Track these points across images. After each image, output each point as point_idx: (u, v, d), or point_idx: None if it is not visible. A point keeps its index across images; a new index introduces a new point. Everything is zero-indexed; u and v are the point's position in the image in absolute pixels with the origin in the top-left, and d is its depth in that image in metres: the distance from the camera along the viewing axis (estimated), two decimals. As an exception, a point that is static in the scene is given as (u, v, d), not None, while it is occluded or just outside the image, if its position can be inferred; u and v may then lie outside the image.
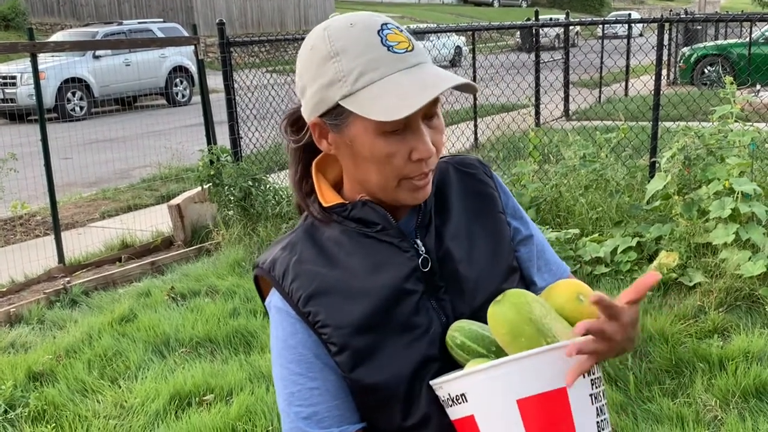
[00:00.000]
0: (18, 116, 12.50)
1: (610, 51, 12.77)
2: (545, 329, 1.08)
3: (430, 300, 1.18)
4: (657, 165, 5.29)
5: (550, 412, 1.05)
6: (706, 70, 14.56)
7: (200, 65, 6.86)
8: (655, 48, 5.63)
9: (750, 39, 13.75)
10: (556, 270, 1.34)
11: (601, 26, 13.44)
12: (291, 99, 6.80)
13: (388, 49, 1.08)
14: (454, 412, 1.12)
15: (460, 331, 1.15)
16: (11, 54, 12.58)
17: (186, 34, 16.19)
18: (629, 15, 28.45)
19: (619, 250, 4.83)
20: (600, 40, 12.99)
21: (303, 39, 1.25)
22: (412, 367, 1.15)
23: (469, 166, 1.31)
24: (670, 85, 14.62)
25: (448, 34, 13.53)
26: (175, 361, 4.14)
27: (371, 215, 1.19)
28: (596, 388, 1.10)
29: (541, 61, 10.16)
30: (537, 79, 9.80)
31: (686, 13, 18.36)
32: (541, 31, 11.67)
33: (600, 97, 12.96)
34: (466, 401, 1.09)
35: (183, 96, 17.39)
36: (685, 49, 15.36)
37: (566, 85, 11.43)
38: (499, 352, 1.12)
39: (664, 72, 11.27)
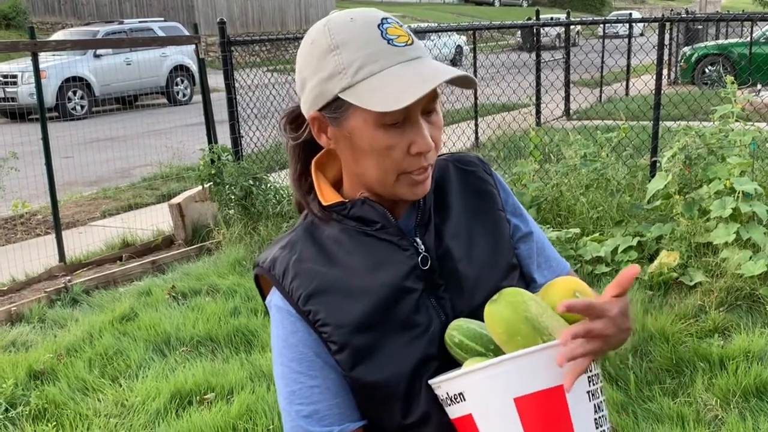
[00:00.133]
0: (19, 115, 12.52)
1: (611, 50, 12.78)
2: (541, 327, 1.09)
3: (430, 298, 1.18)
4: (658, 164, 5.29)
5: (547, 410, 1.05)
6: (706, 70, 14.55)
7: (201, 64, 6.86)
8: (656, 47, 5.63)
9: (751, 38, 13.74)
10: (556, 267, 1.35)
11: (602, 26, 13.42)
12: (292, 98, 6.80)
13: (388, 43, 1.09)
14: (453, 411, 1.12)
15: (458, 329, 1.15)
16: (12, 53, 12.58)
17: (187, 33, 16.18)
18: (630, 14, 28.42)
19: (620, 249, 4.83)
20: (601, 40, 12.98)
21: (303, 38, 1.25)
22: (412, 366, 1.15)
23: (468, 163, 1.31)
24: (671, 84, 14.62)
25: (449, 33, 13.53)
26: (175, 360, 4.14)
27: (371, 214, 1.19)
28: (593, 385, 1.10)
29: (542, 61, 10.17)
30: (538, 78, 9.81)
31: (687, 12, 18.37)
32: (541, 31, 11.67)
33: (601, 96, 12.96)
34: (464, 400, 1.09)
35: (184, 95, 17.39)
36: (686, 49, 15.36)
37: (567, 84, 11.43)
38: (498, 351, 1.12)
39: (664, 71, 11.27)
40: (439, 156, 1.29)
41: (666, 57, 12.40)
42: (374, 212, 1.19)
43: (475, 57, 10.18)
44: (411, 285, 1.17)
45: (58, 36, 16.41)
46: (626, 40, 14.14)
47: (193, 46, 6.87)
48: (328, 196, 1.22)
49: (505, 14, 39.69)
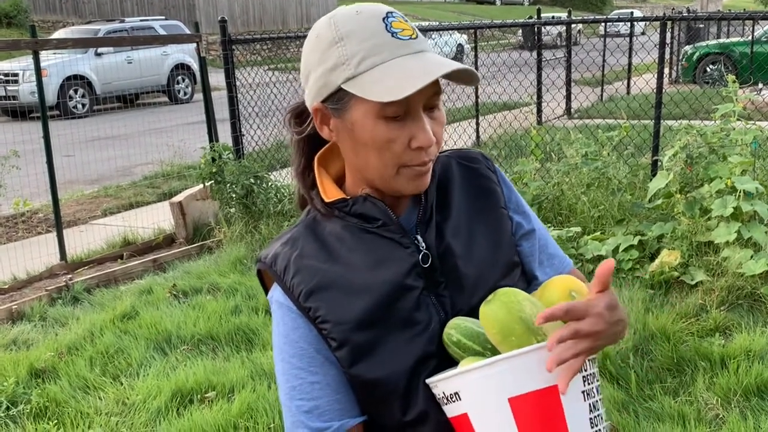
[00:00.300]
0: (20, 113, 12.53)
1: (613, 49, 12.77)
2: (536, 328, 1.08)
3: (430, 296, 1.19)
4: (659, 163, 5.29)
5: (541, 410, 1.05)
6: (708, 69, 14.54)
7: (202, 63, 6.86)
8: (658, 46, 5.63)
9: (752, 37, 13.72)
10: (559, 264, 1.34)
11: (603, 24, 13.42)
12: (293, 97, 6.80)
13: (392, 35, 1.10)
14: (450, 410, 1.12)
15: (456, 328, 1.15)
16: (13, 51, 12.57)
17: (188, 31, 16.19)
18: (631, 13, 28.39)
19: (621, 248, 4.83)
20: (602, 38, 12.97)
21: (305, 37, 1.26)
22: (411, 363, 1.15)
23: (472, 160, 1.31)
24: (672, 83, 14.61)
25: (450, 32, 13.53)
26: (176, 359, 4.14)
27: (372, 210, 1.19)
28: (589, 384, 1.10)
29: (543, 59, 10.15)
30: (539, 77, 9.80)
31: (689, 11, 18.35)
32: (543, 29, 11.66)
33: (602, 95, 12.96)
34: (460, 399, 1.09)
35: (185, 93, 17.39)
36: (688, 48, 15.34)
37: (568, 83, 11.43)
38: (495, 350, 1.12)
39: (666, 70, 11.26)
40: (442, 152, 1.29)
41: (667, 56, 12.39)
42: (376, 209, 1.19)
43: (476, 56, 10.18)
44: (411, 282, 1.17)
45: (59, 34, 16.42)
46: (627, 38, 14.11)
47: (195, 45, 6.88)
48: (330, 192, 1.22)
49: (506, 13, 39.68)
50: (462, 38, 17.62)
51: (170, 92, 16.95)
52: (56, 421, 3.56)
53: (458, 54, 17.91)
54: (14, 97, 14.09)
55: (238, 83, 6.73)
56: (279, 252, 1.22)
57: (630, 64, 13.87)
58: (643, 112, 6.30)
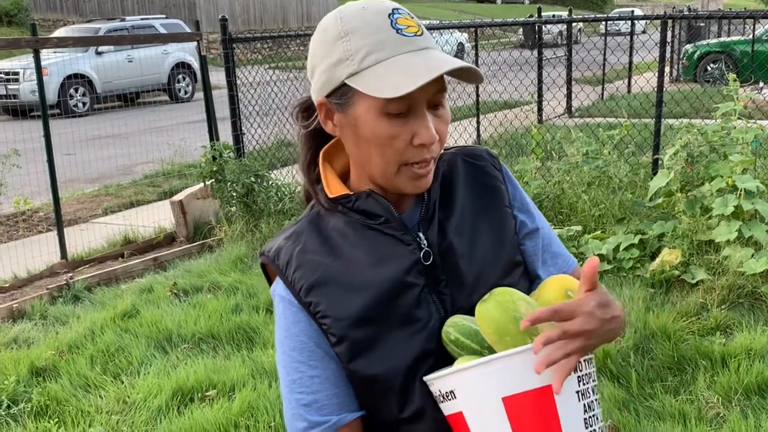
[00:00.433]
0: (21, 112, 12.54)
1: (613, 48, 12.74)
2: (531, 327, 1.08)
3: (431, 294, 1.19)
4: (660, 162, 5.29)
5: (535, 410, 1.06)
6: (709, 67, 14.52)
7: (203, 61, 6.86)
8: (658, 45, 5.62)
9: (753, 36, 13.71)
10: (563, 264, 1.33)
11: (603, 23, 13.41)
12: (293, 95, 6.80)
13: (397, 32, 1.10)
14: (446, 408, 1.13)
15: (454, 326, 1.15)
16: (14, 50, 12.58)
17: (188, 30, 16.19)
18: (632, 12, 28.37)
19: (622, 247, 4.82)
20: (603, 37, 12.96)
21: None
22: (409, 361, 1.16)
23: (477, 158, 1.31)
24: (673, 82, 14.60)
25: (450, 30, 13.52)
26: (177, 357, 4.15)
27: (375, 207, 1.19)
28: (584, 384, 1.10)
29: (544, 58, 10.15)
30: (539, 76, 9.79)
31: (689, 10, 18.33)
32: (543, 28, 11.65)
33: (603, 94, 12.95)
34: (455, 398, 1.10)
35: (185, 92, 17.38)
36: (688, 46, 15.33)
37: (569, 82, 11.42)
38: (492, 349, 1.12)
39: (666, 69, 11.25)
40: (447, 149, 1.29)
41: (668, 54, 12.36)
42: (378, 206, 1.19)
43: (476, 54, 10.17)
44: (412, 280, 1.18)
45: (59, 33, 16.43)
46: (628, 37, 14.10)
47: (195, 44, 6.88)
48: (334, 187, 1.22)
49: (506, 11, 39.67)
50: (462, 37, 17.61)
51: (171, 91, 16.94)
52: (57, 419, 3.56)
53: (459, 53, 17.91)
54: (15, 96, 14.09)
55: (238, 82, 6.73)
56: (282, 246, 1.22)
57: (631, 62, 13.87)
58: (644, 111, 6.30)
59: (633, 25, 14.08)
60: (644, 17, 6.22)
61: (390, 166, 1.13)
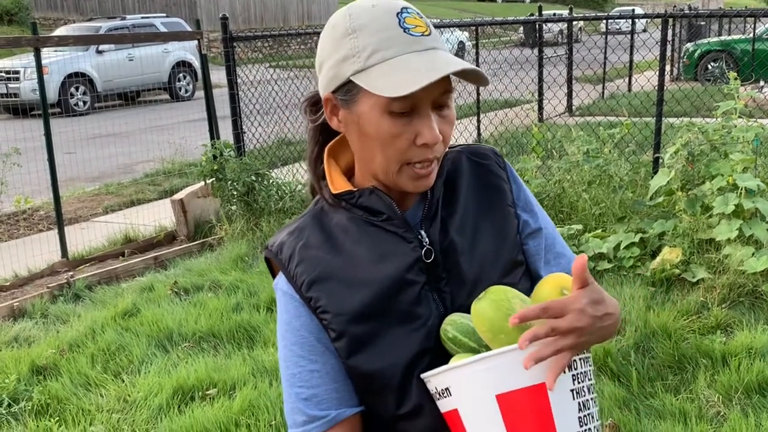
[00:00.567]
0: (21, 111, 12.53)
1: (614, 46, 12.73)
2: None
3: (432, 291, 1.19)
4: (660, 161, 5.29)
5: (529, 408, 1.06)
6: (709, 66, 14.52)
7: (203, 60, 6.86)
8: (659, 44, 5.62)
9: (754, 35, 13.70)
10: (566, 264, 1.33)
11: (604, 22, 13.41)
12: (294, 94, 6.80)
13: (405, 31, 1.10)
14: (442, 405, 1.14)
15: (452, 324, 1.16)
16: (15, 48, 12.58)
17: (189, 28, 16.19)
18: (633, 10, 28.37)
19: (622, 245, 4.82)
20: (603, 36, 12.96)
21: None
22: (408, 357, 1.16)
23: (482, 156, 1.31)
24: (674, 80, 14.59)
25: (451, 29, 13.52)
26: (178, 356, 4.15)
27: (377, 204, 1.19)
28: (579, 383, 1.10)
29: (545, 57, 10.15)
30: (540, 74, 9.79)
31: (690, 8, 18.32)
32: (544, 27, 11.65)
33: (603, 92, 12.95)
34: (450, 395, 1.10)
35: (186, 91, 17.38)
36: (689, 45, 15.33)
37: (569, 80, 11.42)
38: (489, 348, 1.12)
39: (667, 68, 11.25)
40: (453, 147, 1.29)
41: (669, 53, 12.38)
42: (381, 203, 1.19)
43: (477, 53, 10.17)
44: (413, 277, 1.18)
45: (60, 32, 16.42)
46: (629, 36, 14.10)
47: (196, 42, 6.88)
48: (338, 183, 1.23)
49: (507, 10, 39.63)
50: (463, 36, 17.60)
51: (171, 90, 16.94)
52: (57, 418, 3.56)
53: (459, 51, 17.89)
54: (15, 95, 14.09)
55: (239, 80, 6.73)
56: (285, 241, 1.23)
57: (631, 61, 13.87)
58: (645, 110, 6.30)
59: (633, 23, 14.08)
60: (645, 16, 6.21)
61: (392, 164, 1.14)
